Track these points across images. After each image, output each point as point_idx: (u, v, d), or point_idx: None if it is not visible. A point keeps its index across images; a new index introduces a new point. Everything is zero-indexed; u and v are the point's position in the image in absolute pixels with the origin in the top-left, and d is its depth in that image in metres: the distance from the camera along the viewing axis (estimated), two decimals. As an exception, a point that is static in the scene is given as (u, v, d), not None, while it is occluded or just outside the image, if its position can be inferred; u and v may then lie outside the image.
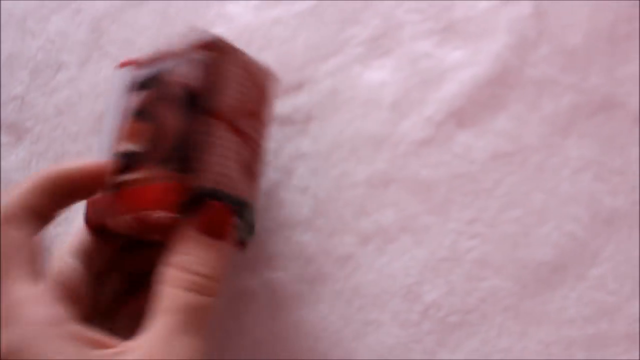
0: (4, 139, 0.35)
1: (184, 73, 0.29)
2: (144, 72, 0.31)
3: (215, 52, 0.30)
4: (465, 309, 0.31)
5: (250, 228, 0.31)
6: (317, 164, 0.34)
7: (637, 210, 0.32)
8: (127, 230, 0.29)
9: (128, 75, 0.31)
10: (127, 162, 0.29)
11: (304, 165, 0.35)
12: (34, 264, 0.26)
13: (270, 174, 0.35)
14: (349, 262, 0.32)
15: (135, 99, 0.30)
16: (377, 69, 0.35)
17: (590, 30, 0.35)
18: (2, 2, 0.36)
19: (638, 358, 0.30)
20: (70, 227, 0.32)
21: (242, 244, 0.30)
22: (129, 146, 0.29)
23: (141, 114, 0.30)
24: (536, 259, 0.32)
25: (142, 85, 0.31)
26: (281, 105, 0.35)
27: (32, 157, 0.35)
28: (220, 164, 0.29)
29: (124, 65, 0.31)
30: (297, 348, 0.31)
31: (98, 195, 0.29)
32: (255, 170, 0.31)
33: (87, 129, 0.35)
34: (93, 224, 0.30)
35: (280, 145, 0.35)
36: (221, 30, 0.36)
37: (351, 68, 0.35)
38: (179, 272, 0.26)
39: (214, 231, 0.28)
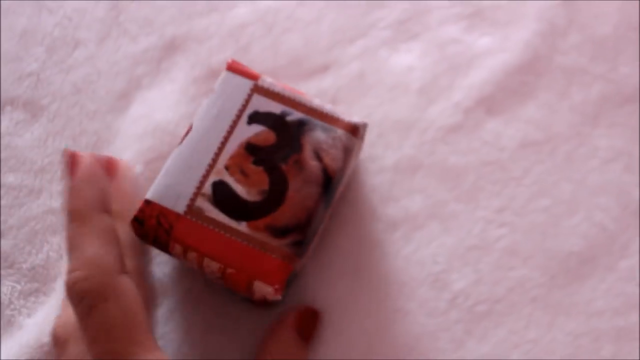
0: (19, 116, 0.34)
1: (328, 151, 0.28)
2: (266, 104, 0.29)
3: (357, 139, 0.29)
4: (494, 298, 0.31)
5: (284, 295, 0.31)
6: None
7: (669, 202, 0.32)
8: (196, 266, 0.28)
9: (242, 87, 0.29)
10: (225, 196, 0.27)
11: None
12: None
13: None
14: (376, 249, 0.31)
15: (252, 132, 0.28)
16: (404, 53, 0.34)
17: (620, 20, 0.34)
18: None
19: (670, 351, 0.29)
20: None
21: (265, 304, 0.30)
22: (230, 180, 0.28)
23: (256, 155, 0.28)
24: (565, 249, 0.31)
25: (262, 119, 0.29)
26: (306, 88, 0.34)
27: (48, 135, 0.34)
28: (311, 249, 0.29)
29: (234, 68, 0.30)
30: (324, 337, 0.30)
31: (180, 214, 0.27)
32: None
33: (105, 107, 0.34)
34: (157, 234, 0.27)
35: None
36: (245, 10, 0.36)
37: (378, 51, 0.35)
38: None
39: (305, 333, 0.29)
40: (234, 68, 0.30)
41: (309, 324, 0.29)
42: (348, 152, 0.28)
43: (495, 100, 0.33)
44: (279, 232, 0.27)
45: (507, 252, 0.31)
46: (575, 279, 0.31)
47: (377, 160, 0.33)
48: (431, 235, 0.31)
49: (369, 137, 0.33)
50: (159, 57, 0.35)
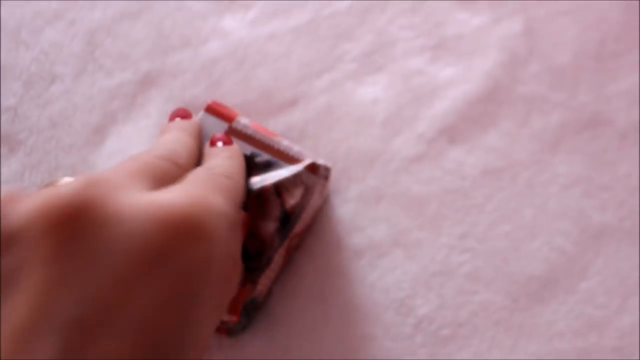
0: (-3, 151, 0.35)
1: (288, 188, 0.30)
2: (238, 145, 0.31)
3: (318, 178, 0.31)
4: (457, 322, 0.32)
5: (246, 323, 0.31)
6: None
7: (625, 225, 0.33)
8: None
9: (217, 128, 0.31)
10: None
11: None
12: None
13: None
14: (342, 276, 0.32)
15: None
16: (370, 85, 0.36)
17: (578, 48, 0.36)
18: (-5, 13, 0.36)
19: (626, 372, 0.30)
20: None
21: (229, 332, 0.31)
22: None
23: None
24: (526, 273, 0.32)
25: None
26: (275, 122, 0.35)
27: (25, 169, 0.35)
28: (268, 278, 0.30)
29: (212, 109, 0.31)
30: (291, 362, 0.31)
31: None
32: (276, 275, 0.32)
33: (81, 142, 0.35)
34: None
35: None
36: (217, 45, 0.37)
37: (344, 84, 0.36)
38: None
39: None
40: (212, 109, 0.31)
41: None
42: (308, 189, 0.30)
43: (458, 129, 0.35)
44: (244, 262, 0.29)
45: (470, 277, 0.32)
46: (537, 301, 0.32)
47: (341, 193, 0.34)
48: (395, 262, 0.32)
49: (334, 171, 0.34)
50: (134, 91, 0.36)
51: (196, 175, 0.23)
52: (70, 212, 0.17)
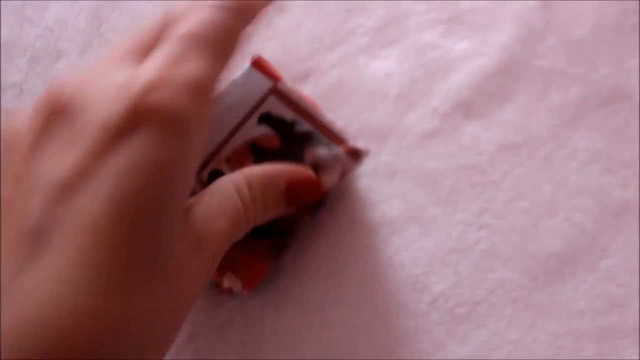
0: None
1: (326, 169, 0.29)
2: (279, 108, 0.29)
3: (356, 163, 0.30)
4: (474, 300, 0.31)
5: None
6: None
7: (647, 201, 0.32)
8: None
9: (261, 86, 0.30)
10: None
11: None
12: None
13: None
14: (355, 253, 0.31)
15: (259, 133, 0.29)
16: (382, 59, 0.35)
17: (598, 21, 0.35)
18: (-1, -9, 0.36)
19: (650, 350, 0.30)
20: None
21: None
22: (228, 172, 0.28)
23: (258, 156, 0.29)
24: (545, 250, 0.31)
25: (272, 122, 0.29)
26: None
27: (30, 146, 0.34)
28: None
29: (258, 65, 0.30)
30: (304, 340, 0.30)
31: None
32: None
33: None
34: None
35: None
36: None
37: (357, 58, 0.35)
38: None
39: (292, 196, 0.27)
40: (258, 65, 0.30)
41: (302, 192, 0.28)
42: (344, 173, 0.29)
43: (473, 104, 0.34)
44: (259, 232, 0.27)
45: (487, 254, 0.31)
46: (556, 280, 0.31)
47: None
48: (410, 238, 0.32)
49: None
50: (141, 66, 0.35)
51: (185, 23, 0.23)
52: (49, 104, 0.21)
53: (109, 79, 0.21)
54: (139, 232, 0.19)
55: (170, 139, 0.20)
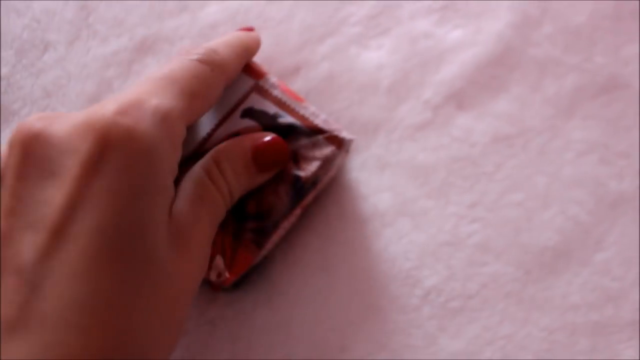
0: (-11, 121, 0.34)
1: (307, 157, 0.29)
2: (262, 104, 0.30)
3: (340, 151, 0.29)
4: (467, 294, 0.30)
5: (241, 279, 0.30)
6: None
7: (643, 193, 0.31)
8: None
9: (244, 84, 0.30)
10: None
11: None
12: None
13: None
14: (345, 246, 0.31)
15: (242, 126, 0.29)
16: (374, 49, 0.34)
17: (594, 8, 0.34)
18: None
19: (644, 345, 0.29)
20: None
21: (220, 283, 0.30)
22: None
23: None
24: (539, 244, 0.31)
25: (255, 116, 0.29)
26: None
27: (18, 139, 0.34)
28: (273, 243, 0.30)
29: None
30: (295, 334, 0.30)
31: None
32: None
33: (76, 111, 0.34)
34: None
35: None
36: (215, 9, 0.35)
37: (348, 49, 0.34)
38: None
39: (261, 162, 0.28)
40: None
41: (269, 155, 0.28)
42: (327, 162, 0.29)
43: (466, 95, 0.33)
44: (244, 217, 0.28)
45: (480, 247, 0.31)
46: (550, 273, 0.31)
47: (343, 166, 0.32)
48: (401, 232, 0.31)
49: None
50: (130, 58, 0.35)
51: (160, 68, 0.25)
52: (26, 141, 0.22)
53: (75, 114, 0.23)
54: (128, 251, 0.20)
55: (139, 163, 0.21)
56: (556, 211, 0.31)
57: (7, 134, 0.34)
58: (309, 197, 0.29)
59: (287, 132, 0.29)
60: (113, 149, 0.21)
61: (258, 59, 0.34)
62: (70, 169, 0.21)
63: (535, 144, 0.32)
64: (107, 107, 0.22)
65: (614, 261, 0.31)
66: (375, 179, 0.32)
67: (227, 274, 0.27)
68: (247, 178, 0.27)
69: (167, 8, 0.36)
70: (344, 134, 0.29)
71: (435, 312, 0.30)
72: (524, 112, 0.33)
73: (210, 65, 0.26)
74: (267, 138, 0.28)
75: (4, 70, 0.35)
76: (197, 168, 0.26)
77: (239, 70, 0.29)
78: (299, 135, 0.29)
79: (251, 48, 0.30)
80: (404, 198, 0.32)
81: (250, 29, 0.32)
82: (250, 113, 0.29)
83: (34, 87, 0.35)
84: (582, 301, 0.30)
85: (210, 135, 0.29)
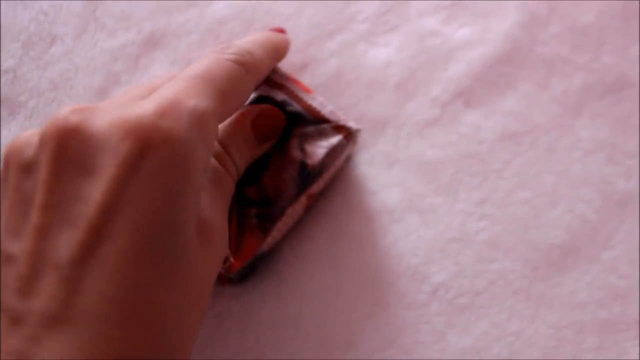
0: (-5, 113, 0.34)
1: (313, 145, 0.29)
2: (271, 92, 0.30)
3: (348, 141, 0.29)
4: (475, 290, 0.30)
5: (249, 269, 0.30)
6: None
7: (651, 191, 0.31)
8: None
9: None
10: None
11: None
12: None
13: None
14: (353, 241, 0.31)
15: None
16: (382, 46, 0.34)
17: (602, 8, 0.34)
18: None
19: (653, 342, 0.29)
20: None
21: (229, 280, 0.30)
22: None
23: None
24: (547, 241, 0.31)
25: (263, 102, 0.30)
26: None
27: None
28: (279, 231, 0.29)
29: None
30: (303, 328, 0.30)
31: None
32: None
33: (83, 104, 0.34)
34: None
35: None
36: (223, 5, 0.35)
37: (356, 46, 0.34)
38: None
39: (260, 132, 0.28)
40: None
41: (266, 124, 0.28)
42: (333, 152, 0.29)
43: (474, 92, 0.33)
44: (245, 202, 0.28)
45: (488, 244, 0.31)
46: (558, 271, 0.31)
47: (352, 157, 0.32)
48: (410, 228, 0.31)
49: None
50: (138, 52, 0.35)
51: (196, 66, 0.25)
52: (61, 135, 0.21)
53: (111, 109, 0.22)
54: (163, 250, 0.21)
55: (177, 164, 0.21)
56: (564, 209, 0.31)
57: (14, 126, 0.34)
58: (315, 186, 0.29)
59: (295, 120, 0.29)
60: (152, 152, 0.21)
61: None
62: (108, 168, 0.21)
63: (543, 142, 0.32)
64: (146, 107, 0.22)
65: (622, 259, 0.31)
66: (384, 175, 0.32)
67: (232, 260, 0.27)
68: (250, 151, 0.27)
69: (174, 3, 0.35)
70: (350, 124, 0.30)
71: (443, 309, 0.30)
72: (532, 110, 0.33)
73: (245, 67, 0.26)
74: (265, 108, 0.28)
75: (10, 63, 0.35)
76: None
77: (269, 72, 0.29)
78: (306, 124, 0.29)
79: (282, 51, 0.30)
80: (412, 194, 0.32)
81: (282, 31, 0.32)
82: (259, 101, 0.30)
83: (41, 79, 0.34)
84: (590, 299, 0.30)
85: None
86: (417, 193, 0.32)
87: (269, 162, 0.29)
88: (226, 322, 0.30)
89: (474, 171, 0.32)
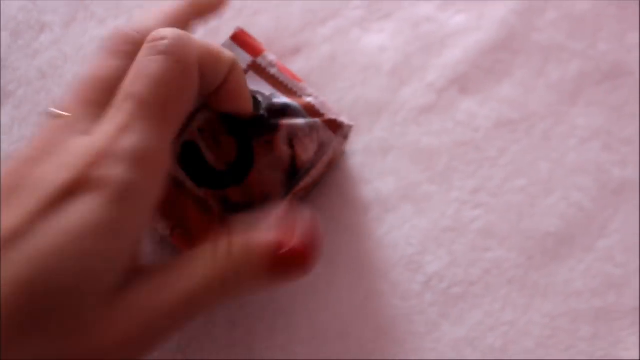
0: (-17, 103, 0.33)
1: (302, 140, 0.28)
2: (258, 83, 0.28)
3: (336, 136, 0.28)
4: (469, 280, 0.30)
5: None
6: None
7: (647, 179, 0.31)
8: None
9: (240, 61, 0.28)
10: (193, 159, 0.27)
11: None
12: None
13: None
14: (348, 231, 0.30)
15: None
16: (376, 32, 0.34)
17: (599, -6, 0.34)
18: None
19: (648, 331, 0.29)
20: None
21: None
22: (202, 144, 0.27)
23: (231, 125, 0.28)
24: (542, 229, 0.31)
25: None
26: (277, 70, 0.33)
27: (14, 122, 0.33)
28: None
29: (238, 39, 0.29)
30: (295, 319, 0.30)
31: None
32: None
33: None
34: None
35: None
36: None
37: (350, 32, 0.34)
38: None
39: (280, 271, 0.23)
40: (238, 39, 0.29)
41: (289, 263, 0.23)
42: (323, 147, 0.28)
43: (470, 79, 0.33)
44: (231, 207, 0.27)
45: (483, 233, 0.31)
46: (553, 259, 0.30)
47: (346, 145, 0.32)
48: (404, 217, 0.31)
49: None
50: (128, 40, 0.34)
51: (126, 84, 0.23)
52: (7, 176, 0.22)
53: (60, 149, 0.22)
54: (61, 290, 0.20)
55: (109, 205, 0.21)
56: (559, 197, 0.31)
57: (4, 115, 0.33)
58: (302, 184, 0.29)
59: (282, 112, 0.28)
60: (85, 189, 0.21)
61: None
62: (34, 194, 0.21)
63: (539, 129, 0.32)
64: (89, 147, 0.21)
65: (617, 248, 0.30)
66: (379, 163, 0.31)
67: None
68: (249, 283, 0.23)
69: (165, -10, 0.35)
70: (343, 119, 0.29)
71: (437, 299, 0.30)
72: (528, 97, 0.32)
73: (173, 56, 0.22)
74: (289, 243, 0.23)
75: (-1, 51, 0.34)
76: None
77: (206, 45, 0.24)
78: (294, 116, 0.28)
79: (204, 10, 0.27)
80: (407, 183, 0.31)
81: None
82: None
83: (30, 68, 0.34)
84: (585, 288, 0.30)
85: (197, 110, 0.27)
86: (411, 181, 0.31)
87: (254, 158, 0.27)
88: (216, 314, 0.30)
89: (469, 159, 0.32)
